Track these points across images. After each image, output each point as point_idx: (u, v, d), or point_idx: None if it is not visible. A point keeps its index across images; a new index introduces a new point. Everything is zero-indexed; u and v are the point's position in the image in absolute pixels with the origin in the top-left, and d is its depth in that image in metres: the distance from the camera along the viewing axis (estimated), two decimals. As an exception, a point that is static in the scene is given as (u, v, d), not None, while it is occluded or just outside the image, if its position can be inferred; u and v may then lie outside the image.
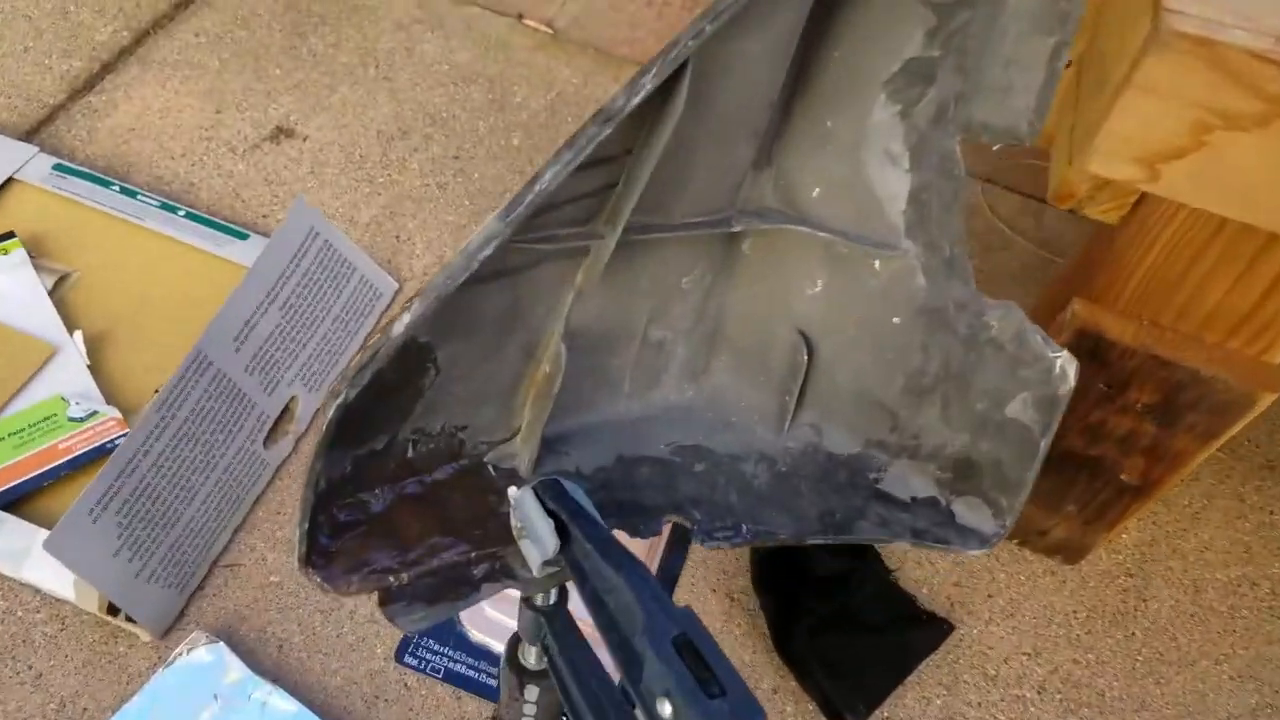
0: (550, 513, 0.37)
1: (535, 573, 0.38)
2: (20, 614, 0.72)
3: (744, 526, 0.44)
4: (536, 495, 0.37)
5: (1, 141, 0.95)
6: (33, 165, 0.93)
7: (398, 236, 0.95)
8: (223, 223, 0.92)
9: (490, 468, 0.44)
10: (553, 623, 0.41)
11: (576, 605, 0.41)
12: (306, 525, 0.38)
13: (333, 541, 0.40)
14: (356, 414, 0.37)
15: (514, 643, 0.46)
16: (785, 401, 0.47)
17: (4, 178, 0.92)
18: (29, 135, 0.98)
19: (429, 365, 0.40)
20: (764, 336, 0.47)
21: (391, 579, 0.40)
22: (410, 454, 0.42)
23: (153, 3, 1.11)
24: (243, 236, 0.91)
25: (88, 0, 1.10)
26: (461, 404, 0.42)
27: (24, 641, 0.71)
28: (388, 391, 0.38)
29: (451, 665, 0.73)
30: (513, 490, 0.39)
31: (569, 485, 0.38)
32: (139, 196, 0.92)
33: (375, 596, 0.40)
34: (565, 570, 0.37)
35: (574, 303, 0.42)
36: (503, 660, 0.47)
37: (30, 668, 0.70)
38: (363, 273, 0.88)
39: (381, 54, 1.10)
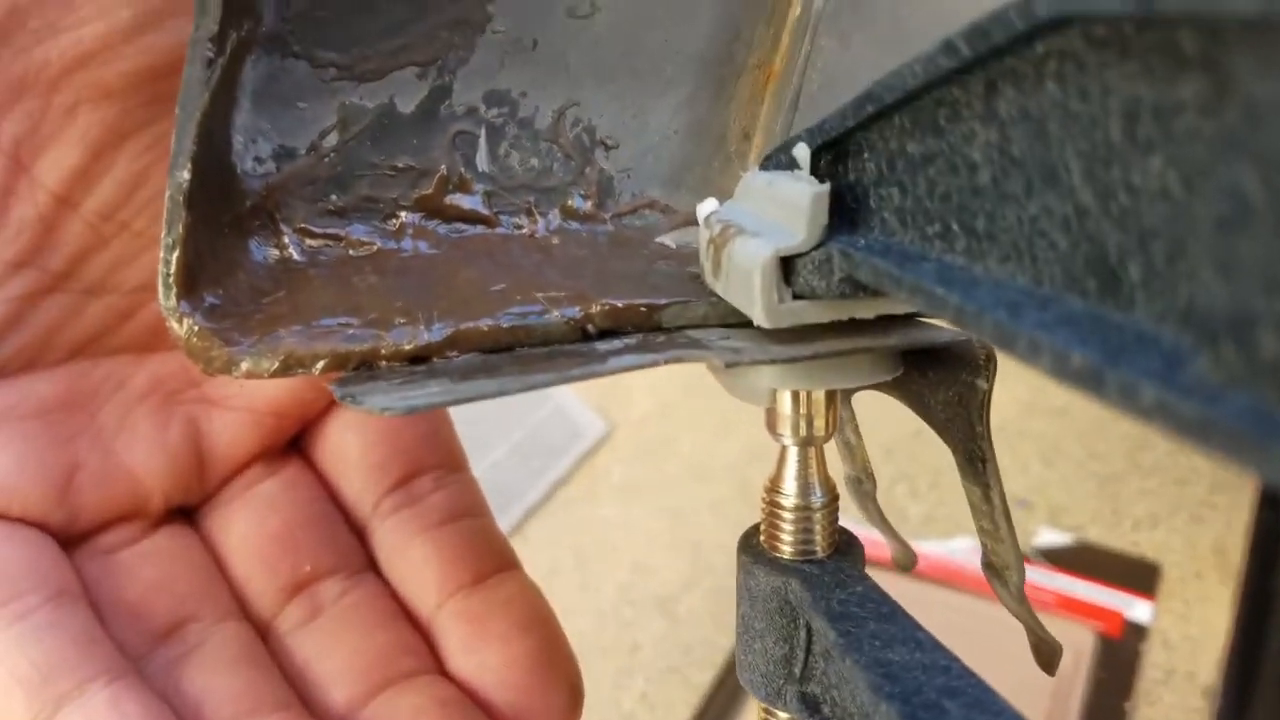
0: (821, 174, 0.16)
1: (760, 317, 0.16)
2: None
3: None
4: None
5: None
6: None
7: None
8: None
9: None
10: (827, 604, 0.17)
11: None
12: (182, 217, 0.16)
13: (259, 284, 0.18)
14: None
15: None
16: None
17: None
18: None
19: None
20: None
21: (364, 347, 0.17)
22: (482, 162, 0.20)
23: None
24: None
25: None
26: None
27: None
28: None
29: None
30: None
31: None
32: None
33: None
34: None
35: None
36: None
37: None
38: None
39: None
